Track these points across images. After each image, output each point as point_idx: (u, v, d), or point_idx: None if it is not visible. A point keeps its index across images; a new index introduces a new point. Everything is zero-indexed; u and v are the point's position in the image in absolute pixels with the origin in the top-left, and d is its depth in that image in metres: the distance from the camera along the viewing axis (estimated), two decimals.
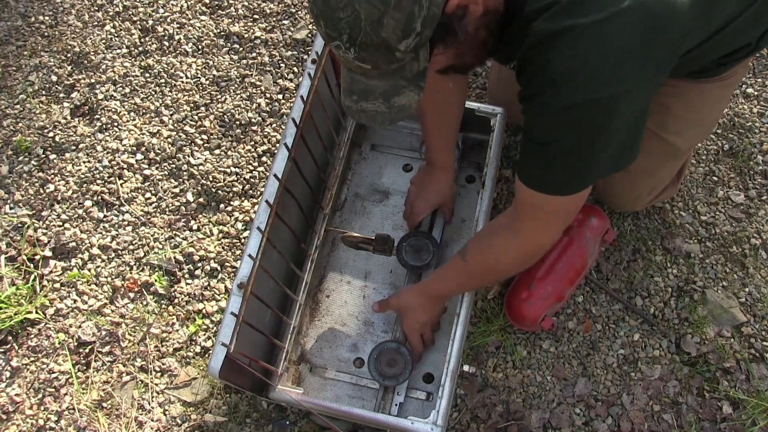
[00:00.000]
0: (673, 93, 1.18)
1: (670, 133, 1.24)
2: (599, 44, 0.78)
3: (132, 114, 1.67)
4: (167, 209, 1.55)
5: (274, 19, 1.79)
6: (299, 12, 1.79)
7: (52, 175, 1.60)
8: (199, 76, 1.71)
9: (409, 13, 0.72)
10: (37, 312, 1.44)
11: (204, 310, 1.43)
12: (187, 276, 1.47)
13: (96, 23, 1.81)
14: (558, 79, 0.80)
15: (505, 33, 0.87)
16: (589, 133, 0.85)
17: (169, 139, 1.63)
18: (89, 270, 1.49)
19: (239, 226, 1.52)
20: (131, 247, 1.51)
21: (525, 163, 0.95)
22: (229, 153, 1.61)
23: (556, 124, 0.86)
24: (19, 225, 1.54)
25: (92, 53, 1.76)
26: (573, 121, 0.84)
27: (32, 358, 1.41)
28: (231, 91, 1.69)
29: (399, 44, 0.74)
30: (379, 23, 0.72)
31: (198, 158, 1.60)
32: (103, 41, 1.78)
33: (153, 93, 1.70)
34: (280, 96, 1.67)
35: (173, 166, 1.60)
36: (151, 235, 1.52)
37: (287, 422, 1.31)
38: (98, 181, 1.59)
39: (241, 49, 1.75)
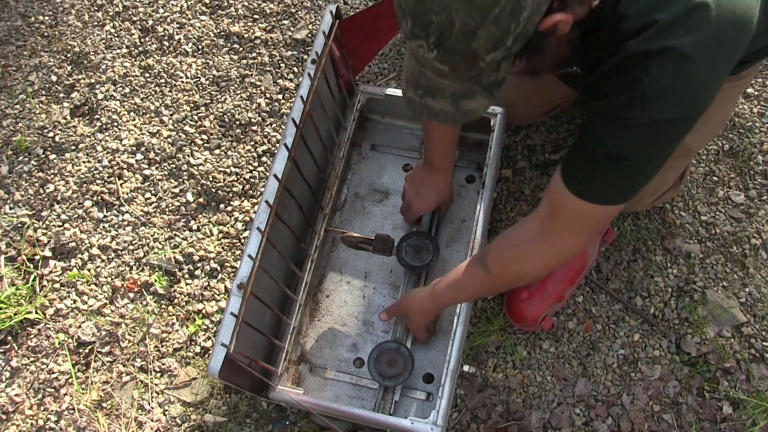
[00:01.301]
0: None
1: None
2: (696, 66, 0.78)
3: (132, 114, 1.67)
4: (167, 209, 1.55)
5: (274, 19, 1.79)
6: (299, 12, 1.79)
7: (52, 175, 1.60)
8: (199, 76, 1.71)
9: (504, 29, 0.71)
10: (36, 312, 1.44)
11: (204, 310, 1.43)
12: (187, 276, 1.47)
13: (96, 23, 1.81)
14: (651, 96, 0.80)
15: (587, 45, 0.86)
16: (662, 149, 0.86)
17: (169, 139, 1.63)
18: (89, 270, 1.49)
19: (239, 226, 1.52)
20: (131, 247, 1.51)
21: (581, 173, 0.92)
22: (229, 153, 1.61)
23: (635, 139, 0.84)
24: (19, 225, 1.54)
25: (92, 53, 1.76)
26: (653, 138, 0.84)
27: (32, 358, 1.41)
28: (231, 91, 1.69)
29: (486, 56, 0.74)
30: (472, 34, 0.71)
31: (198, 158, 1.60)
32: (103, 41, 1.78)
33: (153, 93, 1.70)
34: (280, 96, 1.67)
35: (173, 166, 1.60)
36: (151, 235, 1.52)
37: (287, 422, 1.31)
38: (98, 181, 1.59)
39: (241, 49, 1.75)
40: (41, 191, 1.59)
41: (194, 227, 1.53)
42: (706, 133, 1.30)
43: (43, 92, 1.71)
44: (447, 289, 1.16)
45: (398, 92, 1.45)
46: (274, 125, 1.64)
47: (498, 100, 0.81)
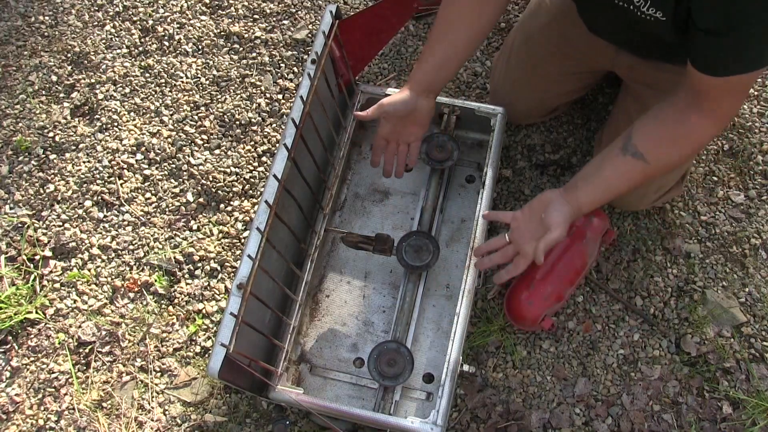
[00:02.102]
0: None
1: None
2: None
3: (132, 114, 1.67)
4: (167, 209, 1.55)
5: (274, 19, 1.79)
6: (299, 12, 1.79)
7: (52, 175, 1.60)
8: (199, 76, 1.71)
9: None
10: (37, 312, 1.44)
11: (204, 310, 1.43)
12: (187, 276, 1.47)
13: (96, 23, 1.81)
14: None
15: None
16: None
17: (169, 139, 1.63)
18: (89, 270, 1.49)
19: (239, 226, 1.52)
20: (131, 247, 1.51)
21: (720, 57, 0.90)
22: (229, 153, 1.61)
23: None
24: (19, 225, 1.55)
25: (92, 53, 1.76)
26: None
27: (32, 358, 1.41)
28: (231, 91, 1.69)
29: None
30: None
31: (198, 158, 1.60)
32: (103, 41, 1.78)
33: (153, 93, 1.70)
34: (280, 96, 1.67)
35: (173, 166, 1.60)
36: (151, 235, 1.52)
37: (287, 422, 1.31)
38: (98, 181, 1.59)
39: (241, 49, 1.75)
40: (41, 191, 1.59)
41: (194, 227, 1.53)
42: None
43: (43, 92, 1.71)
44: (593, 189, 1.08)
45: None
46: (274, 125, 1.64)
47: None
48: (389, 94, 1.43)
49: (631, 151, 1.03)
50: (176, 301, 1.45)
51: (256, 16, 1.79)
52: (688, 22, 0.93)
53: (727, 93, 0.96)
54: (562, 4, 1.32)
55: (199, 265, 1.48)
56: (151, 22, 1.80)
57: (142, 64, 1.74)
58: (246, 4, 1.81)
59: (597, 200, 1.09)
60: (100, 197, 1.57)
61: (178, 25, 1.79)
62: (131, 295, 1.47)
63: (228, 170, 1.58)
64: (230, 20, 1.79)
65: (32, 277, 1.48)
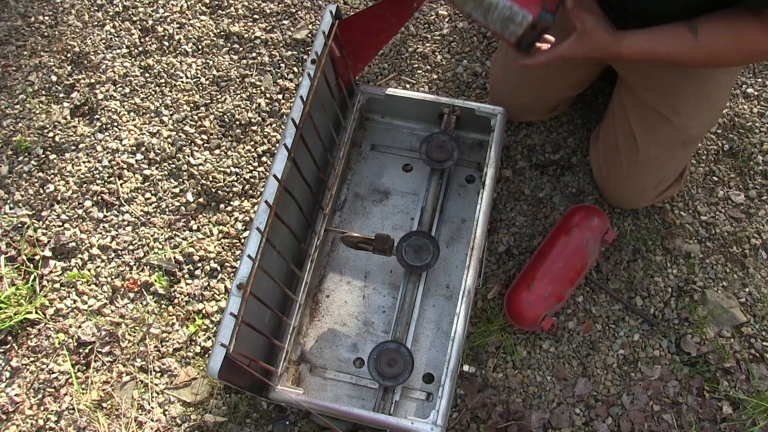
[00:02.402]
0: (687, 75, 1.18)
1: (682, 117, 1.25)
2: None
3: (132, 114, 1.67)
4: (167, 209, 1.55)
5: (274, 19, 1.79)
6: (299, 12, 1.79)
7: (52, 175, 1.60)
8: (199, 76, 1.71)
9: None
10: (36, 312, 1.44)
11: (204, 311, 1.43)
12: (187, 276, 1.47)
13: (96, 23, 1.81)
14: None
15: None
16: None
17: (169, 139, 1.63)
18: (89, 270, 1.49)
19: (239, 226, 1.52)
20: (131, 247, 1.51)
21: None
22: (229, 153, 1.61)
23: None
24: (19, 225, 1.54)
25: (92, 53, 1.76)
26: None
27: (32, 358, 1.41)
28: (231, 91, 1.69)
29: None
30: None
31: (198, 158, 1.60)
32: (103, 41, 1.78)
33: (153, 93, 1.70)
34: (280, 96, 1.67)
35: (173, 166, 1.60)
36: (151, 235, 1.52)
37: (287, 422, 1.31)
38: (98, 181, 1.59)
39: (241, 49, 1.75)
40: (41, 191, 1.59)
41: (194, 227, 1.53)
42: (705, 119, 1.30)
43: (43, 92, 1.71)
44: (638, 36, 1.06)
45: (398, 92, 1.45)
46: (274, 125, 1.64)
47: None
48: (389, 94, 1.43)
49: (690, 24, 1.02)
50: (176, 301, 1.45)
51: (256, 16, 1.79)
52: None
53: None
54: None
55: (199, 265, 1.48)
56: (151, 22, 1.80)
57: (142, 64, 1.74)
58: (246, 4, 1.81)
59: (636, 46, 1.06)
60: (100, 197, 1.57)
61: (178, 25, 1.79)
62: (131, 295, 1.47)
63: (228, 170, 1.58)
64: (230, 20, 1.79)
65: (32, 277, 1.48)
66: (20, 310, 1.44)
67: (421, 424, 1.13)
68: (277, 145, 1.50)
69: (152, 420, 1.35)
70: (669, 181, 1.38)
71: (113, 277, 1.48)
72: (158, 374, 1.39)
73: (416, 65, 1.70)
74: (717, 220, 1.48)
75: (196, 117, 1.66)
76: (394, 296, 1.37)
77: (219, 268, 1.48)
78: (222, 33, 1.77)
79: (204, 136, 1.63)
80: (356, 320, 1.36)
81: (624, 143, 1.33)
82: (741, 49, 1.02)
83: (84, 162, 1.61)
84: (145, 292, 1.46)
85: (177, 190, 1.57)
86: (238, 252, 1.49)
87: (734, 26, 1.00)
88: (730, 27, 1.00)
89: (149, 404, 1.36)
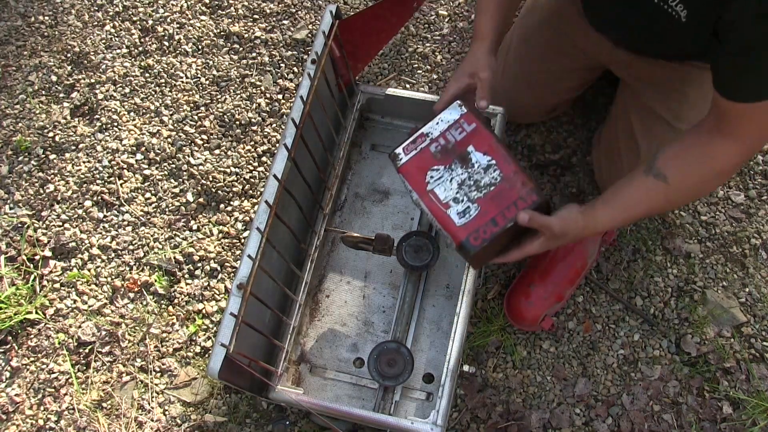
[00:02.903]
0: (692, 81, 1.18)
1: (685, 122, 1.24)
2: None
3: (132, 114, 1.67)
4: (167, 209, 1.55)
5: (274, 19, 1.79)
6: (299, 12, 1.79)
7: (52, 175, 1.60)
8: (199, 76, 1.71)
9: None
10: (36, 312, 1.44)
11: (204, 310, 1.43)
12: (187, 276, 1.47)
13: (96, 23, 1.81)
14: None
15: None
16: None
17: (169, 139, 1.63)
18: (89, 270, 1.49)
19: (239, 226, 1.52)
20: (131, 247, 1.51)
21: (743, 80, 0.87)
22: (229, 153, 1.61)
23: None
24: (19, 225, 1.55)
25: (92, 53, 1.76)
26: None
27: (32, 358, 1.41)
28: (231, 91, 1.69)
29: None
30: None
31: (198, 158, 1.60)
32: (103, 41, 1.78)
33: (153, 93, 1.70)
34: (280, 96, 1.67)
35: (173, 166, 1.60)
36: (151, 235, 1.52)
37: (287, 422, 1.31)
38: (98, 181, 1.59)
39: (241, 49, 1.75)
40: (41, 191, 1.59)
41: (194, 227, 1.53)
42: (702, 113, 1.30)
43: (43, 92, 1.71)
44: (610, 210, 1.03)
45: (398, 92, 1.45)
46: (274, 125, 1.64)
47: None
48: (389, 94, 1.43)
49: (654, 172, 0.99)
50: (176, 301, 1.45)
51: (256, 16, 1.79)
52: (710, 30, 0.90)
53: (753, 119, 0.91)
54: (558, 1, 1.33)
55: (199, 265, 1.48)
56: (151, 22, 1.80)
57: (142, 64, 1.74)
58: (246, 4, 1.81)
59: (615, 220, 1.04)
60: (100, 197, 1.57)
61: (178, 25, 1.79)
62: (131, 295, 1.47)
63: (228, 170, 1.58)
64: (230, 20, 1.79)
65: (32, 277, 1.48)
66: (20, 310, 1.44)
67: (421, 424, 1.13)
68: (277, 145, 1.50)
69: (152, 420, 1.35)
70: None
71: (113, 277, 1.48)
72: (158, 374, 1.39)
73: (416, 65, 1.70)
74: (717, 220, 1.48)
75: (196, 117, 1.66)
76: (394, 296, 1.37)
77: (219, 268, 1.48)
78: (222, 33, 1.77)
79: (204, 136, 1.63)
80: (356, 320, 1.36)
81: (625, 146, 1.33)
82: (715, 170, 0.98)
83: (84, 162, 1.61)
84: (145, 292, 1.46)
85: (177, 190, 1.57)
86: (238, 252, 1.49)
87: (700, 152, 0.96)
88: (696, 156, 0.97)
89: (149, 404, 1.36)
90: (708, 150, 0.96)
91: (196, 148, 1.62)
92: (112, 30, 1.80)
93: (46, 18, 1.83)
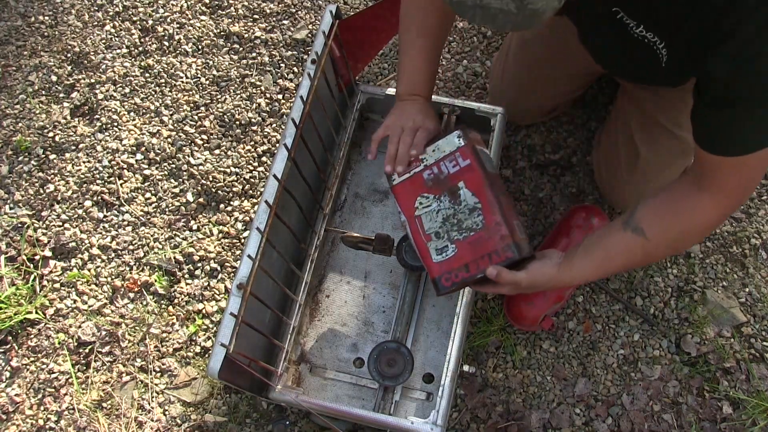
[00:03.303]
0: (690, 89, 1.18)
1: (684, 130, 1.24)
2: None
3: (132, 114, 1.67)
4: (167, 209, 1.55)
5: (274, 19, 1.79)
6: (299, 12, 1.79)
7: (52, 175, 1.60)
8: (199, 76, 1.71)
9: None
10: (36, 312, 1.44)
11: (204, 310, 1.43)
12: (187, 276, 1.47)
13: (96, 23, 1.81)
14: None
15: None
16: None
17: (169, 139, 1.63)
18: (89, 270, 1.49)
19: (239, 226, 1.52)
20: (131, 247, 1.51)
21: (724, 133, 0.85)
22: (229, 153, 1.61)
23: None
24: (19, 225, 1.55)
25: (92, 53, 1.76)
26: None
27: (32, 358, 1.41)
28: (231, 91, 1.69)
29: None
30: None
31: (198, 158, 1.60)
32: (103, 41, 1.78)
33: (153, 93, 1.70)
34: (280, 96, 1.67)
35: (173, 166, 1.60)
36: (151, 235, 1.52)
37: (287, 422, 1.31)
38: (98, 181, 1.59)
39: (241, 49, 1.75)
40: (41, 191, 1.59)
41: (194, 227, 1.53)
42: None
43: (43, 92, 1.71)
44: (587, 264, 1.01)
45: None
46: (274, 125, 1.64)
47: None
48: (389, 94, 1.43)
49: (632, 226, 0.96)
50: (176, 301, 1.45)
51: (256, 16, 1.79)
52: (691, 76, 0.88)
53: (733, 172, 0.88)
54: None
55: (199, 265, 1.48)
56: (151, 22, 1.80)
57: (142, 64, 1.74)
58: (246, 4, 1.81)
59: (589, 274, 1.03)
60: (100, 197, 1.57)
61: (178, 25, 1.79)
62: (131, 295, 1.47)
63: (228, 170, 1.58)
64: (230, 20, 1.79)
65: (32, 277, 1.48)
66: (20, 310, 1.44)
67: (421, 424, 1.13)
68: (277, 145, 1.50)
69: (152, 420, 1.35)
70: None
71: (113, 277, 1.48)
72: (158, 374, 1.39)
73: None
74: None
75: (196, 117, 1.66)
76: (394, 296, 1.37)
77: (219, 268, 1.48)
78: (222, 33, 1.77)
79: (204, 136, 1.63)
80: (356, 320, 1.36)
81: (625, 149, 1.33)
82: (695, 225, 0.95)
83: (84, 162, 1.61)
84: (145, 292, 1.46)
85: (177, 190, 1.57)
86: (238, 252, 1.49)
87: (680, 207, 0.94)
88: (675, 210, 0.95)
89: (149, 404, 1.36)
90: (688, 204, 0.93)
91: (196, 148, 1.62)
92: (112, 30, 1.80)
93: (46, 18, 1.83)
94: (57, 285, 1.48)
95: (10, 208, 1.57)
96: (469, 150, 1.04)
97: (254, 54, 1.74)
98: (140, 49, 1.77)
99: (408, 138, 1.11)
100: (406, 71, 1.16)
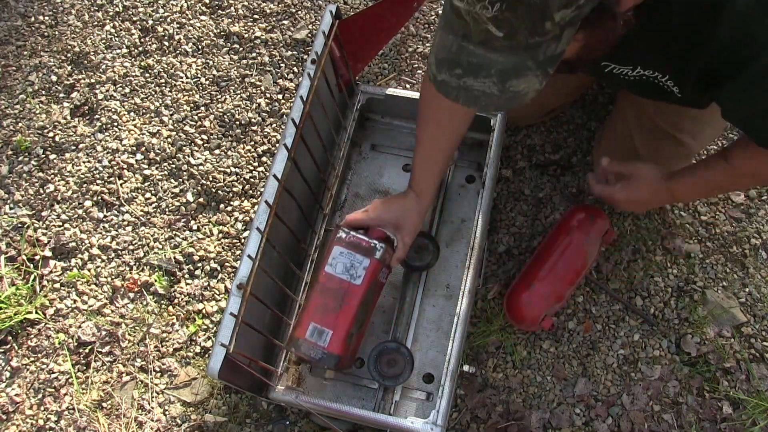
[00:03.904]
0: None
1: (684, 134, 1.24)
2: None
3: (132, 114, 1.67)
4: (167, 209, 1.55)
5: (274, 19, 1.79)
6: (299, 12, 1.79)
7: (52, 175, 1.60)
8: (199, 76, 1.71)
9: None
10: (36, 312, 1.44)
11: (204, 310, 1.43)
12: (187, 276, 1.47)
13: (96, 23, 1.81)
14: None
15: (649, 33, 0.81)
16: None
17: (169, 139, 1.63)
18: (89, 270, 1.49)
19: (239, 226, 1.52)
20: (131, 247, 1.51)
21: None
22: (229, 153, 1.61)
23: None
24: (19, 225, 1.54)
25: (92, 53, 1.76)
26: None
27: (32, 358, 1.41)
28: (231, 91, 1.69)
29: (556, 13, 0.64)
30: None
31: (198, 158, 1.60)
32: (103, 41, 1.78)
33: (153, 93, 1.70)
34: (280, 96, 1.67)
35: (173, 166, 1.60)
36: (151, 235, 1.52)
37: (287, 422, 1.31)
38: (98, 181, 1.59)
39: (241, 49, 1.75)
40: (41, 191, 1.59)
41: (194, 227, 1.53)
42: (709, 134, 1.30)
43: (43, 92, 1.71)
44: (686, 177, 1.11)
45: (398, 92, 1.45)
46: (274, 125, 1.64)
47: (549, 78, 0.72)
48: (390, 94, 1.43)
49: (725, 155, 1.04)
50: (176, 301, 1.45)
51: (256, 16, 1.79)
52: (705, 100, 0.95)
53: None
54: None
55: (199, 265, 1.48)
56: (151, 22, 1.80)
57: (142, 64, 1.74)
58: (246, 4, 1.81)
59: (689, 192, 1.15)
60: (100, 197, 1.57)
61: (178, 25, 1.79)
62: (131, 295, 1.47)
63: (228, 170, 1.58)
64: (230, 20, 1.79)
65: (32, 277, 1.48)
66: (20, 310, 1.44)
67: (421, 424, 1.13)
68: (277, 145, 1.50)
69: (152, 420, 1.34)
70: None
71: (113, 277, 1.48)
72: (158, 374, 1.39)
73: (416, 65, 1.70)
74: (717, 220, 1.48)
75: (196, 117, 1.66)
76: (394, 296, 1.37)
77: (219, 268, 1.48)
78: (222, 33, 1.77)
79: (204, 136, 1.63)
80: None
81: (624, 152, 1.33)
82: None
83: (84, 162, 1.61)
84: (145, 292, 1.46)
85: (177, 190, 1.57)
86: (238, 252, 1.49)
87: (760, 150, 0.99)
88: (757, 150, 0.98)
89: (149, 404, 1.36)
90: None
91: (196, 148, 1.62)
92: (112, 30, 1.80)
93: (46, 18, 1.83)
94: (57, 285, 1.48)
95: (10, 208, 1.57)
96: (379, 266, 1.15)
97: (254, 54, 1.74)
98: (140, 49, 1.77)
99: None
100: (429, 168, 1.19)
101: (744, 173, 1.05)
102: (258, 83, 1.69)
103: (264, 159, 1.59)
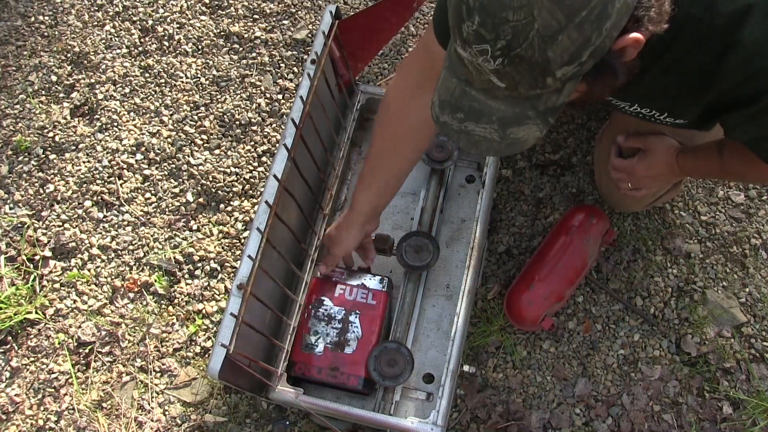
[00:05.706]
0: None
1: (682, 137, 1.24)
2: None
3: (132, 114, 1.67)
4: (167, 209, 1.55)
5: (274, 19, 1.79)
6: (299, 12, 1.79)
7: (52, 175, 1.60)
8: (199, 76, 1.71)
9: (585, 39, 0.63)
10: (36, 312, 1.44)
11: (204, 311, 1.43)
12: (187, 276, 1.47)
13: (96, 23, 1.81)
14: None
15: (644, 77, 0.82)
16: None
17: (169, 139, 1.63)
18: (89, 270, 1.49)
19: (239, 226, 1.52)
20: (131, 247, 1.51)
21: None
22: (229, 153, 1.61)
23: None
24: (19, 225, 1.54)
25: (92, 53, 1.76)
26: None
27: (32, 359, 1.41)
28: (231, 91, 1.69)
29: (558, 70, 0.65)
30: (551, 39, 0.63)
31: (198, 158, 1.60)
32: (103, 41, 1.78)
33: (153, 93, 1.70)
34: (279, 96, 1.67)
35: (173, 166, 1.60)
36: (151, 235, 1.52)
37: (287, 422, 1.31)
38: (98, 181, 1.59)
39: (241, 49, 1.75)
40: (41, 191, 1.59)
41: (194, 227, 1.53)
42: (711, 136, 1.29)
43: (43, 92, 1.71)
44: (689, 158, 1.15)
45: None
46: (274, 125, 1.63)
47: (549, 127, 0.74)
48: None
49: (720, 148, 1.07)
50: (176, 301, 1.45)
51: (256, 16, 1.79)
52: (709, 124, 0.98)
53: None
54: None
55: (199, 265, 1.48)
56: (151, 22, 1.80)
57: (142, 64, 1.74)
58: (246, 4, 1.81)
59: (691, 170, 1.17)
60: (100, 197, 1.57)
61: (178, 25, 1.79)
62: (131, 295, 1.47)
63: (228, 170, 1.58)
64: (230, 20, 1.79)
65: (32, 277, 1.48)
66: (20, 310, 1.44)
67: (421, 424, 1.13)
68: (277, 145, 1.50)
69: (152, 420, 1.34)
70: (666, 188, 1.37)
71: (113, 277, 1.48)
72: (158, 374, 1.39)
73: None
74: (717, 220, 1.48)
75: (196, 117, 1.66)
76: (395, 296, 1.37)
77: (219, 268, 1.48)
78: (222, 33, 1.77)
79: (204, 136, 1.63)
80: None
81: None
82: (758, 174, 1.04)
83: (84, 162, 1.61)
84: (145, 292, 1.46)
85: (177, 190, 1.57)
86: (238, 252, 1.49)
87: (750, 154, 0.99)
88: (746, 154, 0.99)
89: (149, 404, 1.36)
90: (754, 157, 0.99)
91: (196, 148, 1.62)
92: (112, 30, 1.80)
93: (46, 18, 1.83)
94: (57, 285, 1.48)
95: (10, 208, 1.57)
96: (382, 297, 1.25)
97: (254, 54, 1.74)
98: (140, 49, 1.76)
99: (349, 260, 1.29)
100: (374, 188, 1.19)
101: (733, 171, 1.10)
102: (258, 83, 1.69)
103: (264, 159, 1.59)
